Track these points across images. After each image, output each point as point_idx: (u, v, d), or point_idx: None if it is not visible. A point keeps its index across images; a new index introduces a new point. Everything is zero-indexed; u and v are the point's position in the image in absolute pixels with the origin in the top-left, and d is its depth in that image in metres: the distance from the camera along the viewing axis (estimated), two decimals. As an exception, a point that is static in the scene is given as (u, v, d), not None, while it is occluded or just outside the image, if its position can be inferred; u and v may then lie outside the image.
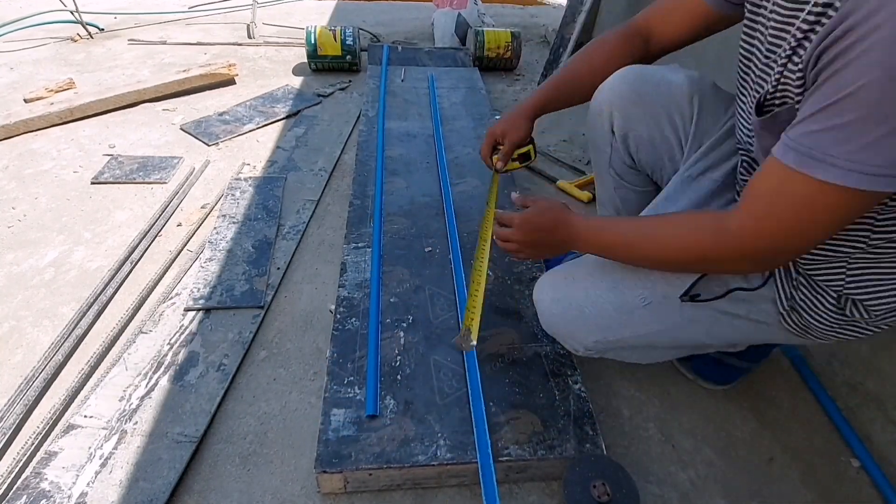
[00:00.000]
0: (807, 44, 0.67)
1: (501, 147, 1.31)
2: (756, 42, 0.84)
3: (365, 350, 1.21)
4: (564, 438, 1.06)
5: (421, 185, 1.79)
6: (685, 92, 1.14)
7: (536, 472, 1.07)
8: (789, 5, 0.72)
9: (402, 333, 1.26)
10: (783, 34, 0.74)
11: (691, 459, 1.15)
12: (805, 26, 0.67)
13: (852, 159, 0.60)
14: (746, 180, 0.97)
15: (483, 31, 2.94)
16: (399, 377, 1.16)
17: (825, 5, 0.63)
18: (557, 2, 4.58)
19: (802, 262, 0.88)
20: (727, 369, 1.27)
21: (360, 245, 1.50)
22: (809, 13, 0.66)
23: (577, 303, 1.04)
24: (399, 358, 1.20)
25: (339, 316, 1.29)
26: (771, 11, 0.77)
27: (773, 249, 0.75)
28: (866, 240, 0.79)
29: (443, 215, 1.64)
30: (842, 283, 0.85)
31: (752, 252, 0.77)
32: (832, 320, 0.89)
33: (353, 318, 1.29)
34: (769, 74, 0.78)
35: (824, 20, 0.63)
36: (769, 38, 0.78)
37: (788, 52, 0.71)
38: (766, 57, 0.79)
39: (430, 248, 1.51)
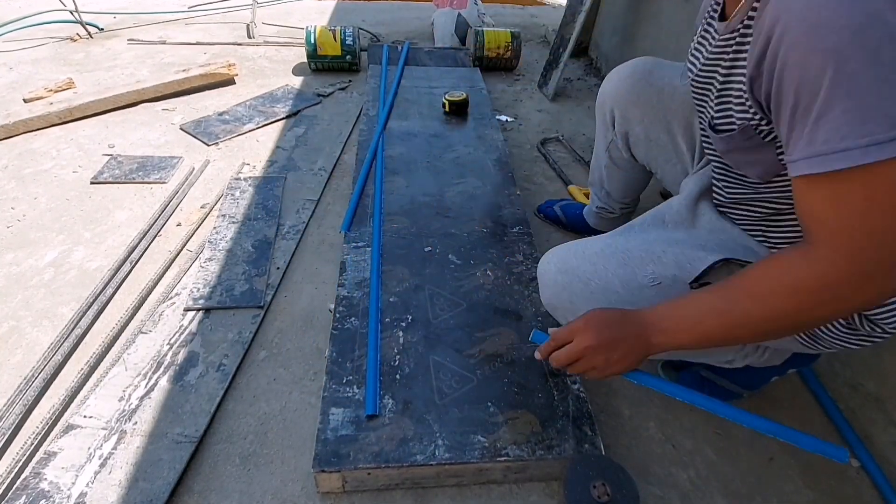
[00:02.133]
0: (738, 74, 0.72)
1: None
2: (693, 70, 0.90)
3: (364, 349, 1.21)
4: (563, 439, 1.06)
5: (421, 184, 1.79)
6: (687, 100, 1.13)
7: (535, 473, 1.07)
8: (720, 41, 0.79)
9: (401, 333, 1.26)
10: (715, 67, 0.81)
11: (691, 459, 1.16)
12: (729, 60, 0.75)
13: (853, 135, 0.58)
14: (718, 183, 0.97)
15: (483, 31, 2.94)
16: (398, 377, 1.16)
17: (743, 35, 0.70)
18: (557, 2, 4.58)
19: None
20: (716, 391, 1.22)
21: (359, 244, 1.50)
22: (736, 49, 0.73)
23: (583, 275, 0.99)
24: (398, 357, 1.21)
25: (338, 315, 1.30)
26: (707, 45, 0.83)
27: (874, 259, 0.65)
28: None
29: (442, 215, 1.64)
30: None
31: (855, 274, 0.66)
32: (842, 333, 0.88)
33: (353, 318, 1.29)
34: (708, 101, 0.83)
35: (745, 52, 0.69)
36: (703, 69, 0.85)
37: (719, 85, 0.78)
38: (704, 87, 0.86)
39: (429, 248, 1.51)
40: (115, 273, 1.52)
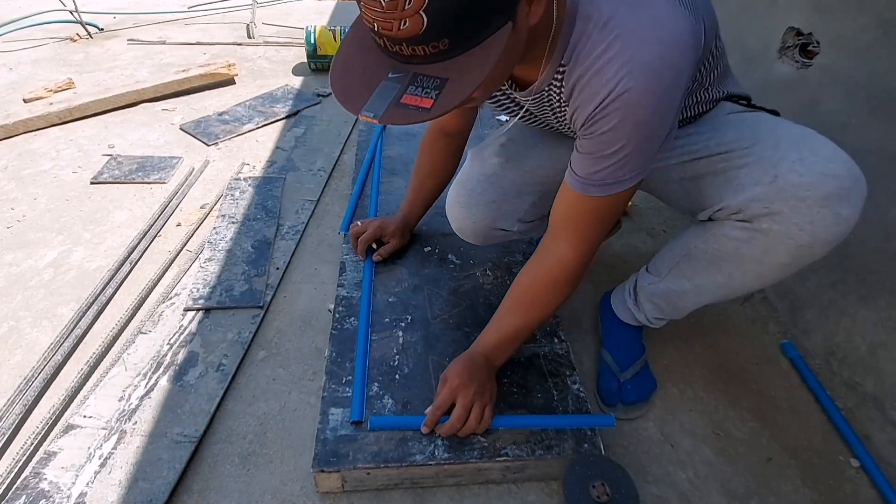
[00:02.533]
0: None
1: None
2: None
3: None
4: (562, 438, 1.06)
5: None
6: (510, 188, 1.28)
7: (534, 472, 1.07)
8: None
9: (400, 333, 1.26)
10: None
11: (690, 459, 1.16)
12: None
13: (629, 174, 0.86)
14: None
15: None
16: (397, 377, 1.16)
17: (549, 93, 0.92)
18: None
19: None
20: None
21: (359, 245, 1.50)
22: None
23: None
24: (397, 357, 1.21)
25: (337, 315, 1.30)
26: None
27: (596, 250, 1.01)
28: None
29: (441, 215, 1.64)
30: None
31: (587, 265, 1.01)
32: None
33: (352, 318, 1.29)
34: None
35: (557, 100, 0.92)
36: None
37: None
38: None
39: (429, 248, 1.51)
40: (115, 273, 1.52)
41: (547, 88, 0.91)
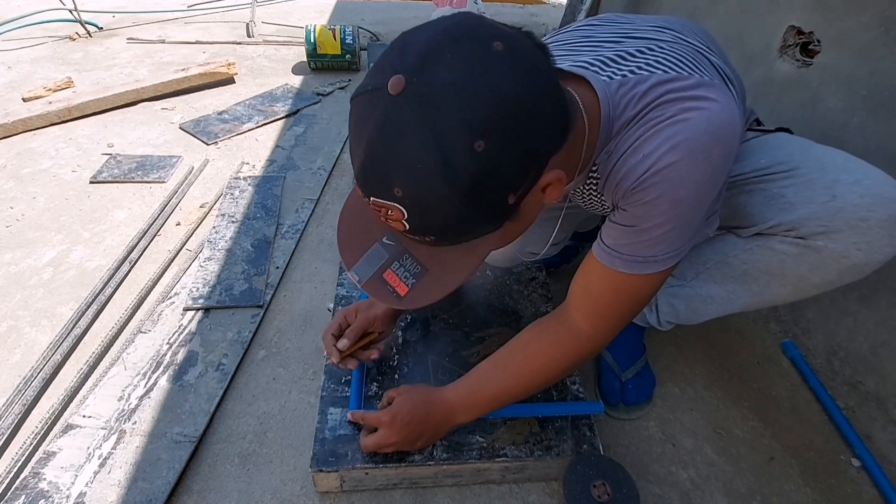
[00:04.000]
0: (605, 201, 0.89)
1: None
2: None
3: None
4: (562, 439, 1.06)
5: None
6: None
7: (534, 473, 1.07)
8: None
9: (399, 332, 1.26)
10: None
11: (692, 459, 1.16)
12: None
13: (660, 253, 0.82)
14: None
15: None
16: (397, 376, 1.16)
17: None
18: (557, 1, 4.58)
19: None
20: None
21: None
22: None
23: None
24: (397, 357, 1.21)
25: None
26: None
27: (612, 339, 0.95)
28: None
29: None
30: None
31: (601, 347, 0.95)
32: None
33: (352, 318, 1.28)
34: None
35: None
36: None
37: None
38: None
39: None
40: (115, 273, 1.52)
41: (583, 188, 0.91)
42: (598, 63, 0.81)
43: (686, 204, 0.77)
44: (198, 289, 1.47)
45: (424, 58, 0.58)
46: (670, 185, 0.74)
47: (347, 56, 2.82)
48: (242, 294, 1.47)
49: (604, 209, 0.94)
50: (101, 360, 1.30)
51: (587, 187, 0.90)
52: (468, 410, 1.01)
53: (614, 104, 0.76)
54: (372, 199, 0.64)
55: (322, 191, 1.92)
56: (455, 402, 1.01)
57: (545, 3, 4.57)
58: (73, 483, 1.04)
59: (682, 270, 1.17)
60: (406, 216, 0.62)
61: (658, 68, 0.78)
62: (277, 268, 1.58)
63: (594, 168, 0.84)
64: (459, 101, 0.57)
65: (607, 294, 0.89)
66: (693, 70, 0.78)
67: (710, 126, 0.73)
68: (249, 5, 3.43)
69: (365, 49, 3.06)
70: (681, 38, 0.86)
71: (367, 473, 1.02)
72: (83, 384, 1.23)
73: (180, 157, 2.07)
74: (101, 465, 1.07)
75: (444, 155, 0.57)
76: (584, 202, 0.98)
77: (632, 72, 0.78)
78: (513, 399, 1.01)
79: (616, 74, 0.79)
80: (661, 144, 0.73)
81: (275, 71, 2.87)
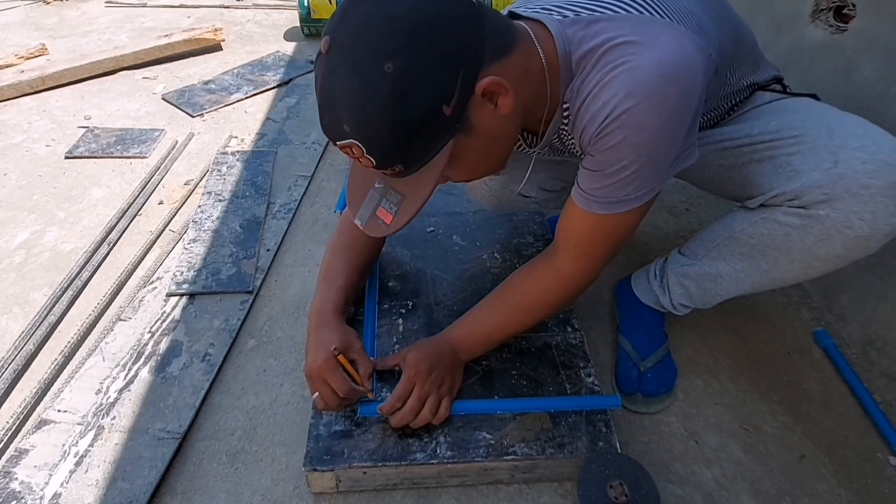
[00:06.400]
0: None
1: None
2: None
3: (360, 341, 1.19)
4: (576, 436, 1.04)
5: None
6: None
7: (545, 473, 1.05)
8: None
9: (400, 321, 1.24)
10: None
11: (716, 457, 1.14)
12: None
13: (632, 193, 0.88)
14: None
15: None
16: (397, 368, 1.14)
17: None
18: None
19: None
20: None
21: (355, 224, 1.48)
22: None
23: None
24: (397, 347, 1.19)
25: (332, 302, 1.28)
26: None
27: (595, 276, 1.04)
28: None
29: (446, 192, 1.62)
30: None
31: (585, 284, 1.05)
32: None
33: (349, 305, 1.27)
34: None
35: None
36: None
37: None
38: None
39: (432, 228, 1.48)
40: (92, 256, 1.51)
41: (560, 129, 0.96)
42: (554, 7, 0.89)
43: (648, 145, 0.82)
44: (182, 273, 1.46)
45: (341, 14, 0.74)
46: (630, 130, 0.81)
47: (343, 21, 2.78)
48: (230, 279, 1.46)
49: (578, 159, 1.02)
50: (78, 350, 1.29)
51: (563, 129, 0.96)
52: (468, 347, 1.11)
53: (568, 39, 0.84)
54: (337, 143, 0.78)
55: (316, 167, 1.91)
56: (456, 340, 1.11)
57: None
58: (46, 483, 1.03)
59: (693, 248, 1.19)
60: (364, 150, 0.76)
61: (609, 7, 0.85)
62: (268, 250, 1.56)
63: (566, 106, 0.90)
64: (364, 34, 0.71)
65: (588, 235, 0.98)
66: (646, 10, 0.84)
67: (662, 69, 0.78)
68: (237, -34, 3.38)
69: (362, 13, 3.02)
70: None
71: (364, 473, 1.00)
72: (58, 376, 1.23)
73: (163, 130, 2.07)
74: (78, 464, 1.07)
75: (364, 83, 0.71)
76: (570, 147, 1.02)
77: (584, 12, 0.86)
78: (508, 335, 1.14)
79: (568, 14, 0.86)
80: (619, 91, 0.79)
81: (265, 37, 2.86)
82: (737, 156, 1.05)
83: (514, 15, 0.90)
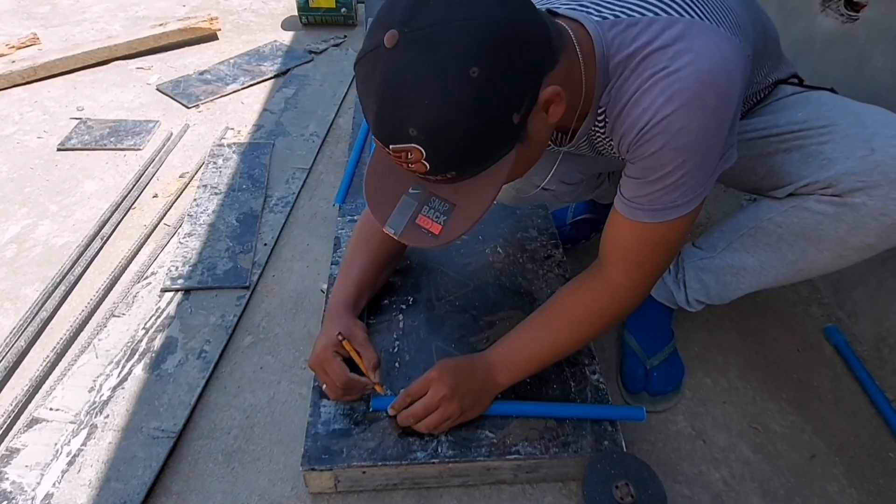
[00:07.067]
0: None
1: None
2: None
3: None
4: (580, 435, 1.04)
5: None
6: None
7: (549, 472, 1.05)
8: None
9: (401, 316, 1.24)
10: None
11: (725, 457, 1.14)
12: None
13: (679, 199, 0.87)
14: None
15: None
16: (397, 364, 1.14)
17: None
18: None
19: None
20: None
21: (355, 218, 1.47)
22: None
23: None
24: (397, 343, 1.18)
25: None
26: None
27: (650, 288, 1.01)
28: None
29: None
30: None
31: (640, 297, 1.01)
32: None
33: (347, 300, 1.26)
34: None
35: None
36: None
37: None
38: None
39: (433, 222, 1.47)
40: (85, 250, 1.51)
41: (593, 130, 0.95)
42: (591, 5, 0.88)
43: (691, 149, 0.82)
44: (177, 268, 1.46)
45: (411, 8, 0.68)
46: (671, 135, 0.80)
47: (343, 10, 2.78)
48: (226, 274, 1.45)
49: (613, 155, 1.01)
50: (70, 346, 1.29)
51: (596, 130, 0.95)
52: (510, 369, 1.05)
53: (607, 43, 0.83)
54: (391, 146, 0.73)
55: (315, 159, 1.91)
56: (496, 360, 1.05)
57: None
58: (38, 483, 1.03)
59: (711, 241, 1.19)
60: (424, 155, 0.72)
61: (647, 9, 0.84)
62: (265, 245, 1.56)
63: (601, 110, 0.89)
64: (448, 36, 0.68)
65: (636, 245, 0.95)
66: (684, 11, 0.83)
67: (700, 74, 0.78)
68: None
69: (362, 2, 3.01)
70: None
71: (364, 472, 1.00)
72: (50, 374, 1.23)
73: (157, 121, 2.06)
74: (70, 464, 1.06)
75: (446, 86, 0.68)
76: (599, 147, 1.02)
77: (623, 13, 0.85)
78: (555, 356, 1.06)
79: (607, 15, 0.86)
80: (658, 97, 0.80)
81: (262, 26, 2.86)
82: (762, 146, 1.05)
83: (551, 13, 0.87)
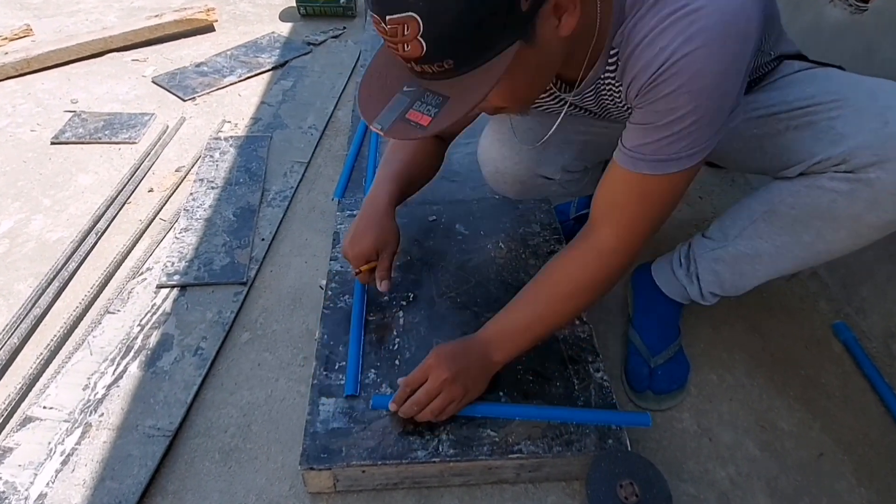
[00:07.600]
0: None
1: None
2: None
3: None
4: (584, 433, 1.03)
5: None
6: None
7: (552, 471, 1.05)
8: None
9: (401, 313, 1.23)
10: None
11: (731, 455, 1.14)
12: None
13: (684, 151, 0.85)
14: None
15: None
16: (398, 362, 1.14)
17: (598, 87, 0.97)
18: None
19: None
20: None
21: (354, 213, 1.47)
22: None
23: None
24: (397, 341, 1.18)
25: (330, 293, 1.27)
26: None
27: (637, 250, 0.99)
28: None
29: (448, 179, 1.60)
30: None
31: (628, 260, 0.99)
32: None
33: (346, 296, 1.26)
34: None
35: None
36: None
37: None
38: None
39: (434, 217, 1.47)
40: (79, 245, 1.51)
41: (602, 78, 0.94)
42: None
43: (706, 94, 0.80)
44: (173, 263, 1.46)
45: None
46: (688, 76, 0.78)
47: (342, 0, 2.77)
48: (223, 269, 1.45)
49: (619, 112, 1.03)
50: (64, 344, 1.29)
51: (605, 78, 0.93)
52: (504, 345, 1.05)
53: None
54: (388, 18, 0.70)
55: (313, 152, 1.91)
56: (489, 339, 1.05)
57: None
58: (31, 483, 1.03)
59: (723, 230, 1.17)
60: (422, 28, 0.69)
61: None
62: (263, 239, 1.56)
63: (613, 51, 0.87)
64: None
65: (632, 201, 0.94)
66: None
67: (723, 15, 0.76)
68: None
69: (361, -8, 3.01)
70: None
71: (363, 472, 1.00)
72: (43, 371, 1.23)
73: (153, 114, 2.06)
74: (64, 463, 1.06)
75: None
76: (606, 98, 1.00)
77: None
78: (549, 329, 1.07)
79: None
80: (676, 37, 0.77)
81: (260, 17, 2.86)
82: (771, 123, 1.03)
83: None
